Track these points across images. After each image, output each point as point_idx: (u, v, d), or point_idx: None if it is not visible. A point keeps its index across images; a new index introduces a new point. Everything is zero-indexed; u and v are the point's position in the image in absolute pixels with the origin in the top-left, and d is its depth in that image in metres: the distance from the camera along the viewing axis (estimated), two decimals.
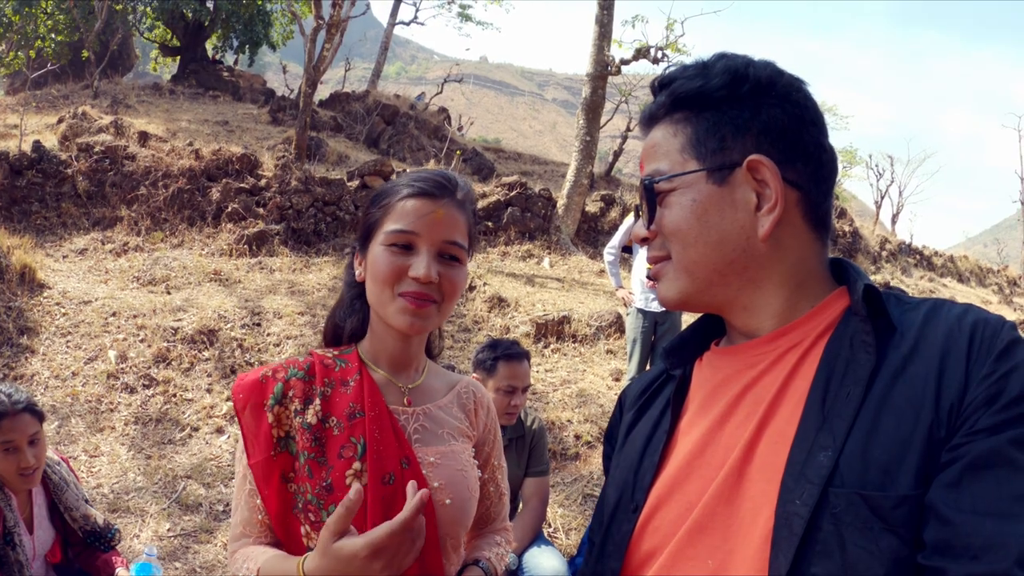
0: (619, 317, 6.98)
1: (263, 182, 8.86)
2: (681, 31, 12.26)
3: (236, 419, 1.23)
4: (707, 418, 0.89)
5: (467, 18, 24.30)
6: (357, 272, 1.27)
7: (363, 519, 1.12)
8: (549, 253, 9.86)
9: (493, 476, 1.41)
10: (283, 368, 1.25)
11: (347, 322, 1.32)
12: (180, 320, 6.09)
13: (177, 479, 4.41)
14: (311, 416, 1.19)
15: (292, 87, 19.44)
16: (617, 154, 16.99)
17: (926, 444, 0.71)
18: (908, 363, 0.76)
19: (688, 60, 0.93)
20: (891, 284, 12.72)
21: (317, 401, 1.21)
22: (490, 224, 9.85)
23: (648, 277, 4.81)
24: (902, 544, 0.69)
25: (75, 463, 4.36)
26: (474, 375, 2.90)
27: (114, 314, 6.12)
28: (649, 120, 0.94)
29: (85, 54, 14.82)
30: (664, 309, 4.97)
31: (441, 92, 20.61)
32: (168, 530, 3.89)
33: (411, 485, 1.03)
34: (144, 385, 5.39)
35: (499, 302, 7.34)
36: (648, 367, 5.03)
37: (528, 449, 3.08)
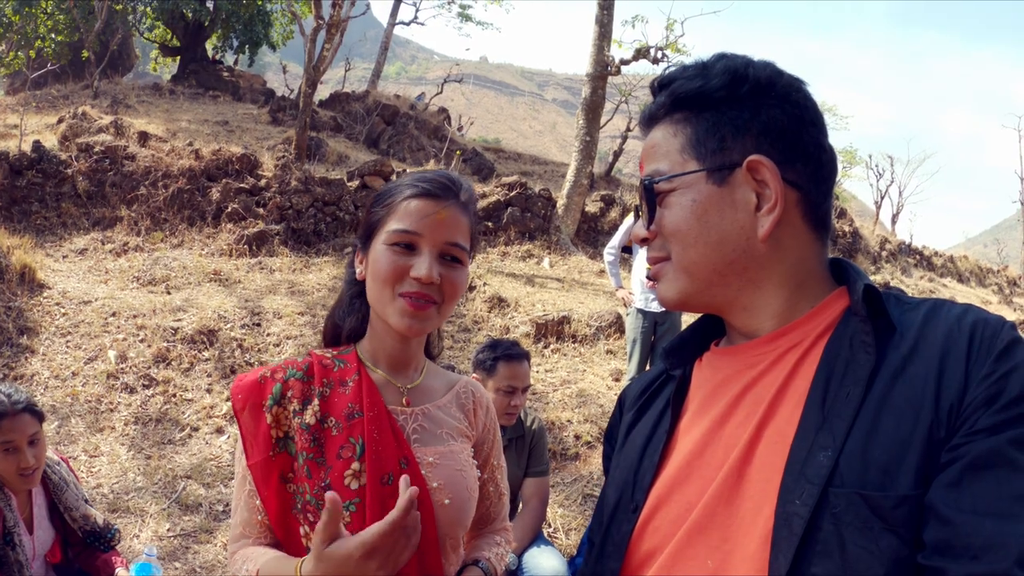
0: (619, 317, 6.97)
1: (263, 182, 8.86)
2: (681, 31, 12.27)
3: (235, 419, 1.23)
4: (707, 418, 0.89)
5: (467, 18, 24.30)
6: (358, 271, 1.27)
7: (362, 519, 1.12)
8: (549, 253, 9.86)
9: (493, 476, 1.41)
10: (281, 369, 1.25)
11: (346, 321, 1.32)
12: (180, 320, 6.09)
13: (177, 479, 4.41)
14: (310, 416, 1.19)
15: (292, 87, 19.44)
16: (617, 154, 16.99)
17: (926, 444, 0.71)
18: (908, 363, 0.76)
19: (688, 60, 0.93)
20: (891, 284, 12.71)
21: (316, 401, 1.21)
22: (490, 224, 9.85)
23: (648, 277, 4.81)
24: (902, 544, 0.69)
25: (75, 463, 4.36)
26: (474, 375, 2.90)
27: (114, 314, 6.12)
28: (649, 120, 0.94)
29: (85, 54, 14.82)
30: (664, 309, 4.97)
31: (441, 92, 20.62)
32: (168, 530, 3.89)
33: (403, 481, 1.02)
34: (144, 385, 5.39)
35: (499, 302, 7.34)
36: (648, 367, 5.03)
37: (528, 449, 3.08)
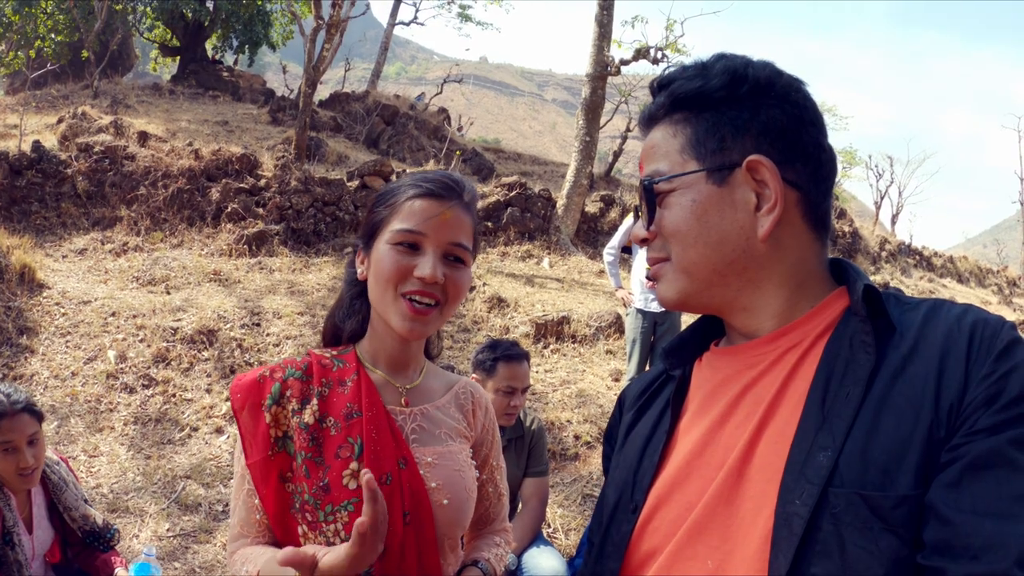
0: (618, 317, 6.97)
1: (263, 182, 8.86)
2: (681, 31, 12.28)
3: (235, 419, 1.23)
4: (707, 418, 0.89)
5: (467, 18, 24.31)
6: (359, 271, 1.27)
7: None
8: (549, 253, 9.87)
9: (492, 477, 1.41)
10: (281, 368, 1.25)
11: (347, 323, 1.31)
12: (179, 320, 6.09)
13: (176, 479, 4.41)
14: (308, 416, 1.19)
15: (292, 87, 19.44)
16: (617, 154, 16.99)
17: (926, 444, 0.71)
18: (908, 363, 0.76)
19: (687, 61, 0.93)
20: (890, 285, 12.72)
21: (314, 401, 1.21)
22: (490, 224, 9.85)
23: (647, 278, 4.81)
24: (902, 544, 0.69)
25: (74, 463, 4.36)
26: (473, 376, 2.90)
27: (113, 314, 6.12)
28: (648, 121, 0.94)
29: (85, 54, 14.83)
30: (663, 309, 4.98)
31: (441, 92, 20.62)
32: (167, 530, 3.89)
33: (362, 475, 0.97)
34: (143, 385, 5.39)
35: (499, 302, 7.34)
36: (647, 367, 5.03)
37: (527, 449, 3.08)
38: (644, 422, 1.00)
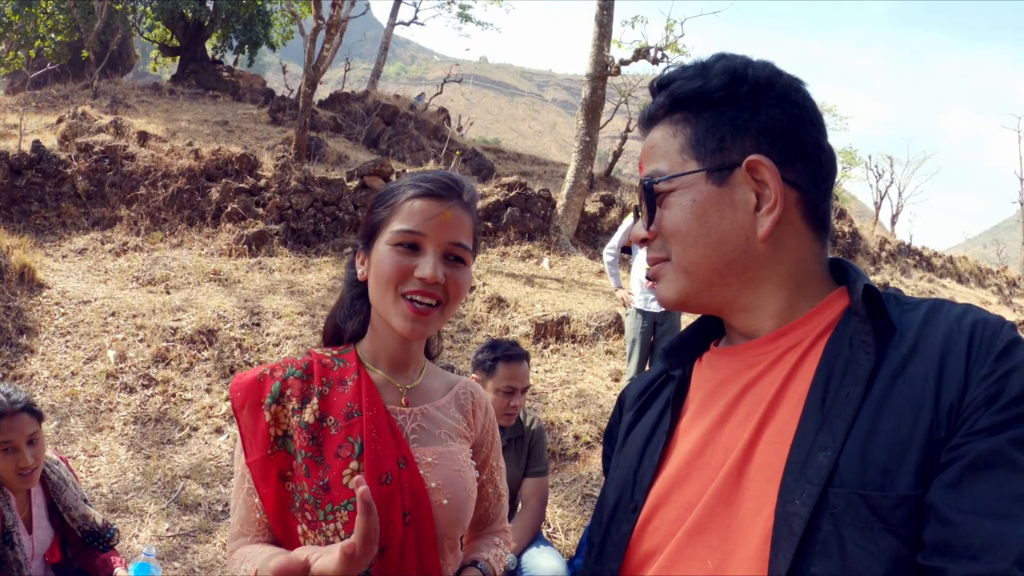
0: (618, 317, 6.98)
1: (263, 182, 8.86)
2: (681, 32, 12.27)
3: (235, 418, 1.23)
4: (707, 418, 0.89)
5: (467, 18, 24.32)
6: (359, 271, 1.27)
7: None
8: (548, 253, 9.87)
9: (492, 477, 1.41)
10: (281, 367, 1.25)
11: (348, 323, 1.31)
12: (179, 320, 6.09)
13: (176, 479, 4.41)
14: (308, 415, 1.19)
15: (292, 87, 19.45)
16: (617, 155, 16.99)
17: (926, 444, 0.71)
18: (908, 363, 0.76)
19: (687, 61, 0.93)
20: (890, 285, 12.72)
21: (315, 400, 1.21)
22: (490, 224, 9.85)
23: (647, 278, 4.81)
24: (902, 544, 0.69)
25: (74, 463, 4.36)
26: (473, 376, 2.90)
27: (113, 314, 6.12)
28: (648, 121, 0.94)
29: (85, 54, 14.83)
30: (663, 309, 4.98)
31: (441, 92, 20.62)
32: (167, 530, 3.89)
33: (355, 482, 0.97)
34: (143, 385, 5.39)
35: (498, 302, 7.34)
36: (647, 367, 5.03)
37: (527, 449, 3.08)
38: (644, 422, 1.00)
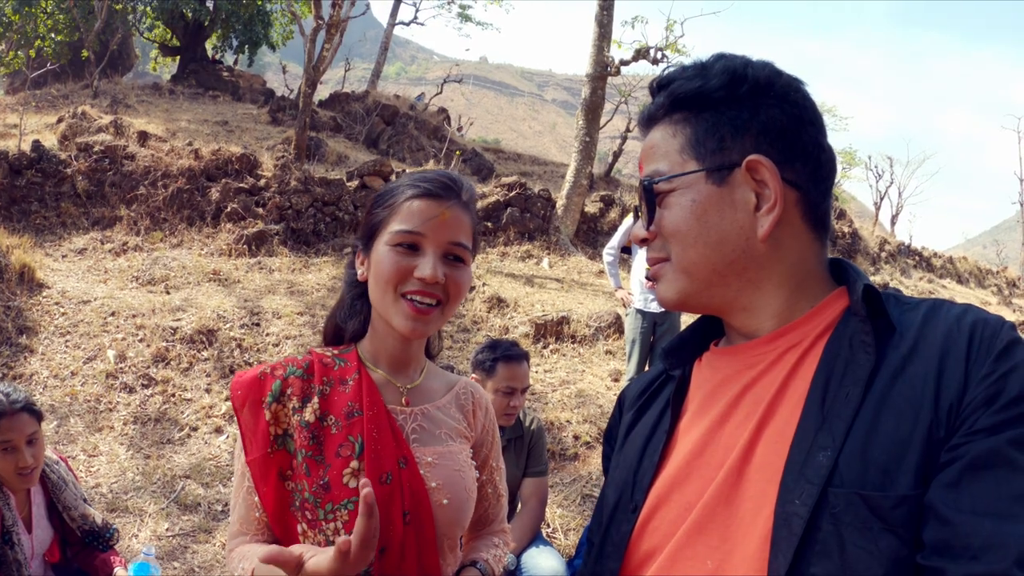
0: (618, 318, 6.98)
1: (262, 182, 8.86)
2: (681, 32, 12.27)
3: (235, 418, 1.23)
4: (706, 418, 0.89)
5: (467, 18, 24.32)
6: (359, 272, 1.27)
7: None
8: (548, 254, 9.87)
9: (491, 477, 1.41)
10: (282, 366, 1.25)
11: (348, 324, 1.32)
12: (179, 320, 6.09)
13: (176, 479, 4.41)
14: (309, 414, 1.19)
15: (292, 87, 19.45)
16: (616, 155, 16.99)
17: (925, 444, 0.71)
18: (907, 363, 0.76)
19: (687, 61, 0.93)
20: (890, 285, 12.72)
21: (315, 399, 1.21)
22: (489, 224, 9.85)
23: (647, 278, 4.81)
24: (901, 544, 0.69)
25: (74, 463, 4.36)
26: (473, 376, 2.90)
27: (113, 314, 6.12)
28: (648, 121, 0.94)
29: (85, 54, 14.83)
30: (663, 310, 4.98)
31: (441, 92, 20.62)
32: (167, 530, 3.89)
33: (361, 484, 0.97)
34: (143, 385, 5.39)
35: (498, 302, 7.34)
36: (647, 368, 5.04)
37: (527, 449, 3.08)
38: (644, 422, 1.00)
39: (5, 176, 8.10)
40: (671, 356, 1.00)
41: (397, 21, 22.62)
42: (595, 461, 4.92)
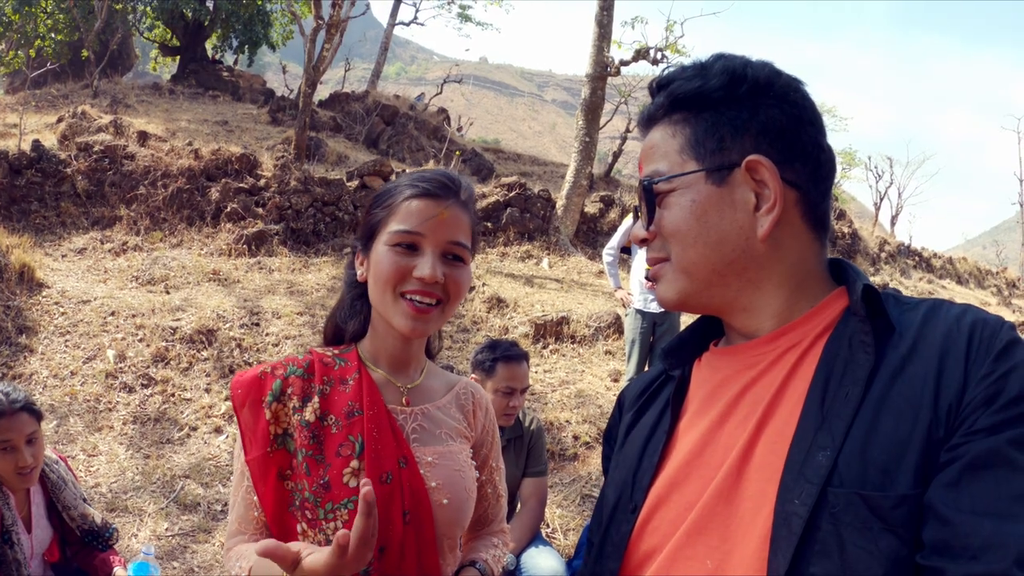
0: (618, 318, 6.98)
1: (262, 182, 8.86)
2: (681, 32, 12.25)
3: (234, 418, 1.23)
4: (706, 418, 0.89)
5: (467, 19, 24.33)
6: (359, 272, 1.27)
7: None
8: (548, 254, 9.87)
9: (491, 478, 1.41)
10: (282, 365, 1.25)
11: (349, 324, 1.32)
12: (179, 320, 6.09)
13: (175, 479, 4.41)
14: (309, 414, 1.19)
15: (292, 87, 19.44)
16: (616, 155, 16.99)
17: (925, 444, 0.71)
18: (907, 363, 0.76)
19: (687, 61, 0.93)
20: (889, 286, 12.72)
21: (316, 399, 1.21)
22: (489, 225, 9.85)
23: (647, 278, 4.82)
24: (901, 544, 0.69)
25: (73, 462, 4.36)
26: (473, 376, 2.90)
27: (113, 313, 6.11)
28: (648, 121, 0.94)
29: (85, 54, 14.83)
30: (662, 310, 4.98)
31: (441, 93, 20.62)
32: (166, 529, 3.89)
33: (362, 484, 0.96)
34: (143, 385, 5.39)
35: (498, 303, 7.34)
36: (647, 368, 5.04)
37: (526, 449, 3.08)
38: (644, 422, 1.00)
39: (5, 176, 8.10)
40: (671, 356, 1.00)
41: (397, 21, 22.62)
42: (594, 461, 4.93)
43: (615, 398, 1.49)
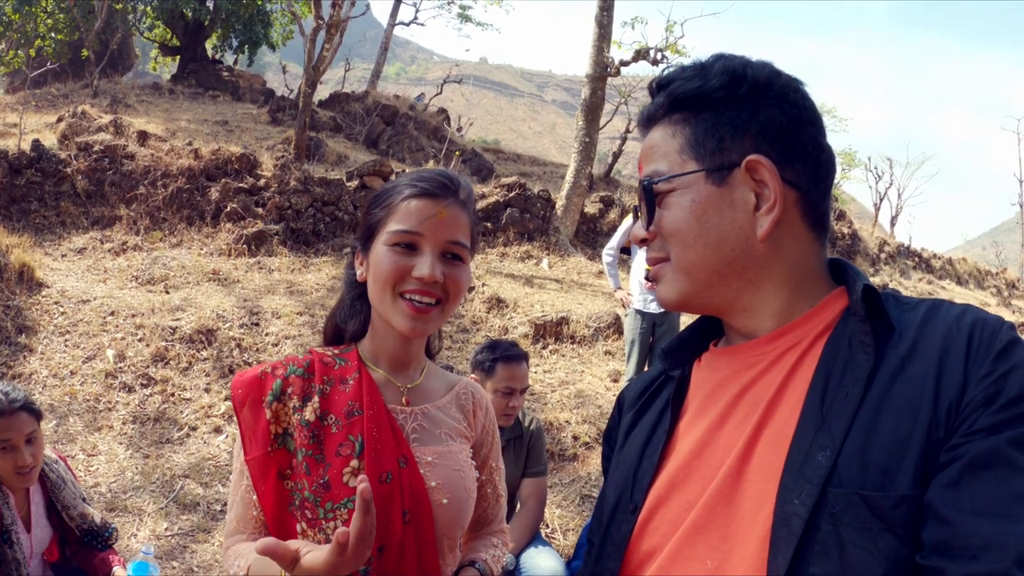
0: (617, 318, 6.98)
1: (262, 182, 8.86)
2: (681, 33, 12.25)
3: (234, 418, 1.23)
4: (706, 418, 0.89)
5: (467, 19, 24.34)
6: (358, 272, 1.27)
7: None
8: (548, 254, 9.87)
9: (491, 478, 1.41)
10: (282, 365, 1.25)
11: (349, 324, 1.32)
12: (178, 320, 6.09)
13: (175, 478, 4.41)
14: (309, 413, 1.20)
15: (292, 87, 19.44)
16: (616, 155, 16.99)
17: (925, 444, 0.71)
18: (907, 363, 0.76)
19: (687, 62, 0.93)
20: (889, 286, 12.72)
21: (316, 398, 1.21)
22: (489, 225, 9.85)
23: (647, 278, 4.82)
24: (901, 544, 0.69)
25: (73, 462, 4.35)
26: (472, 376, 2.90)
27: (112, 313, 6.11)
28: (647, 121, 0.94)
29: (85, 53, 14.83)
30: (662, 310, 4.98)
31: (440, 93, 20.62)
32: (165, 529, 3.89)
33: (358, 481, 0.95)
34: (142, 384, 5.39)
35: (498, 303, 7.34)
36: (646, 368, 5.04)
37: (526, 450, 3.08)
38: (644, 423, 1.00)
39: (5, 175, 8.10)
40: (670, 356, 1.00)
41: (397, 21, 22.63)
42: (594, 462, 4.93)
43: (614, 398, 1.49)
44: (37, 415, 2.34)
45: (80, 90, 14.38)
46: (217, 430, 5.01)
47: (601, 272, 9.13)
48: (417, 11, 23.48)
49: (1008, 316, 13.00)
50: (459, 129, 22.51)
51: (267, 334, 6.16)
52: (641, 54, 11.47)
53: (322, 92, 17.93)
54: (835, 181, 0.91)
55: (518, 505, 3.08)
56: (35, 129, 10.35)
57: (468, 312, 7.23)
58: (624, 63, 11.23)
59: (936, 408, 0.72)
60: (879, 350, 0.78)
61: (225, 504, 4.16)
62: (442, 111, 17.57)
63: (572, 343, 6.83)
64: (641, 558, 0.89)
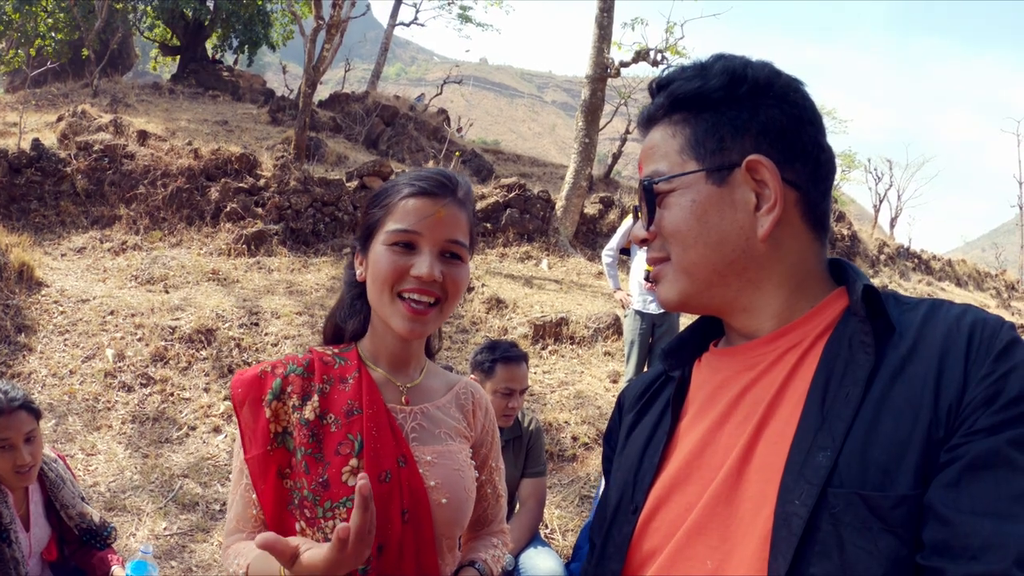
0: (617, 319, 6.98)
1: (262, 182, 8.86)
2: (680, 34, 12.27)
3: (233, 418, 1.23)
4: (706, 419, 0.89)
5: (467, 20, 24.34)
6: (358, 272, 1.27)
7: None
8: (547, 255, 9.87)
9: (491, 478, 1.41)
10: (282, 364, 1.25)
11: (348, 323, 1.32)
12: (178, 319, 6.09)
13: (174, 478, 4.40)
14: (309, 412, 1.19)
15: (292, 87, 19.44)
16: (616, 156, 17.00)
17: (925, 444, 0.71)
18: (907, 363, 0.76)
19: (687, 63, 0.93)
20: (889, 287, 12.72)
21: (315, 398, 1.21)
22: (489, 225, 9.85)
23: (647, 279, 4.82)
24: (901, 544, 0.69)
25: (72, 461, 4.35)
26: (472, 376, 2.90)
27: (112, 313, 6.11)
28: (647, 121, 0.94)
29: (85, 53, 14.82)
30: (662, 311, 4.98)
31: (440, 93, 20.62)
32: (164, 529, 3.89)
33: (358, 479, 0.95)
34: (141, 384, 5.38)
35: (497, 303, 7.34)
36: (646, 369, 5.04)
37: (525, 450, 3.08)
38: (644, 423, 1.00)
39: (5, 174, 8.10)
40: (670, 357, 1.00)
41: (397, 22, 22.63)
42: (593, 462, 4.93)
43: (614, 399, 1.49)
44: (36, 414, 2.34)
45: (80, 89, 14.38)
46: (216, 430, 5.01)
47: (600, 273, 9.13)
48: (417, 12, 23.49)
49: (1007, 318, 12.99)
50: (459, 130, 22.52)
51: (266, 334, 6.16)
52: (641, 55, 11.47)
53: (322, 92, 17.94)
54: (835, 182, 0.91)
55: (517, 505, 3.08)
56: (35, 128, 10.35)
57: (468, 312, 7.23)
58: (624, 64, 11.23)
59: (936, 408, 0.72)
60: (879, 350, 0.78)
61: (224, 504, 4.16)
62: (442, 112, 17.57)
63: (571, 344, 6.83)
64: (642, 559, 0.89)
